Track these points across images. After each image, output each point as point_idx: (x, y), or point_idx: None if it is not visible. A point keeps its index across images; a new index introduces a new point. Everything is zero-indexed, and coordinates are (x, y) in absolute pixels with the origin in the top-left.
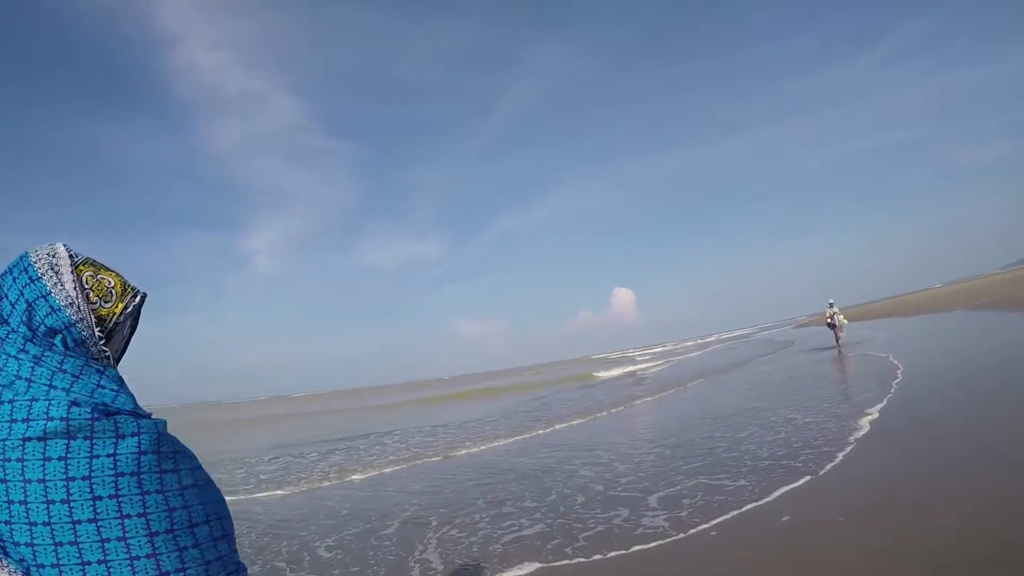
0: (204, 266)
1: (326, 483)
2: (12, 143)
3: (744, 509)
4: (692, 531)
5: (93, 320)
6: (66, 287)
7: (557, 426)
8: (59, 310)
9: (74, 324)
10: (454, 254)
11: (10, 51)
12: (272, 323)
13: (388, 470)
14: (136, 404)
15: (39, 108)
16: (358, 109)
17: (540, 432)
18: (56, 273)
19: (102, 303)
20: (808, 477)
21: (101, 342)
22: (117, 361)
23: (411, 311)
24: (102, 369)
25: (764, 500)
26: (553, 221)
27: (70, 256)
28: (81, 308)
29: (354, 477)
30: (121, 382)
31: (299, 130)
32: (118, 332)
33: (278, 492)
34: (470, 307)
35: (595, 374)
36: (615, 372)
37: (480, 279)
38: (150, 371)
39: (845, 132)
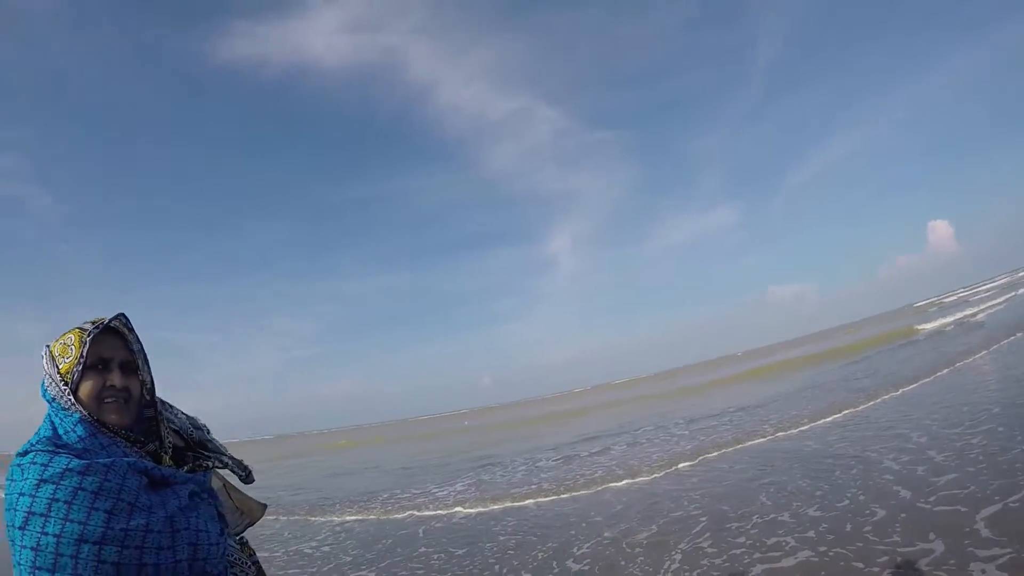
0: (514, 278)
1: (606, 484)
2: (337, 210)
3: None
4: None
5: (59, 379)
6: (46, 369)
7: (863, 404)
8: (43, 390)
9: (47, 390)
10: (750, 219)
11: (319, 142)
12: (580, 318)
13: (682, 465)
14: (47, 437)
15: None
16: (615, 98)
17: (846, 411)
18: (43, 366)
19: (64, 361)
20: None
21: (67, 393)
22: (152, 384)
23: (717, 285)
24: (63, 417)
25: None
26: (846, 164)
27: (48, 345)
28: (53, 376)
29: (631, 478)
30: (61, 420)
31: (567, 133)
32: (93, 371)
33: (560, 495)
34: (776, 271)
35: (917, 327)
36: (940, 321)
37: (781, 239)
38: (474, 379)
39: None
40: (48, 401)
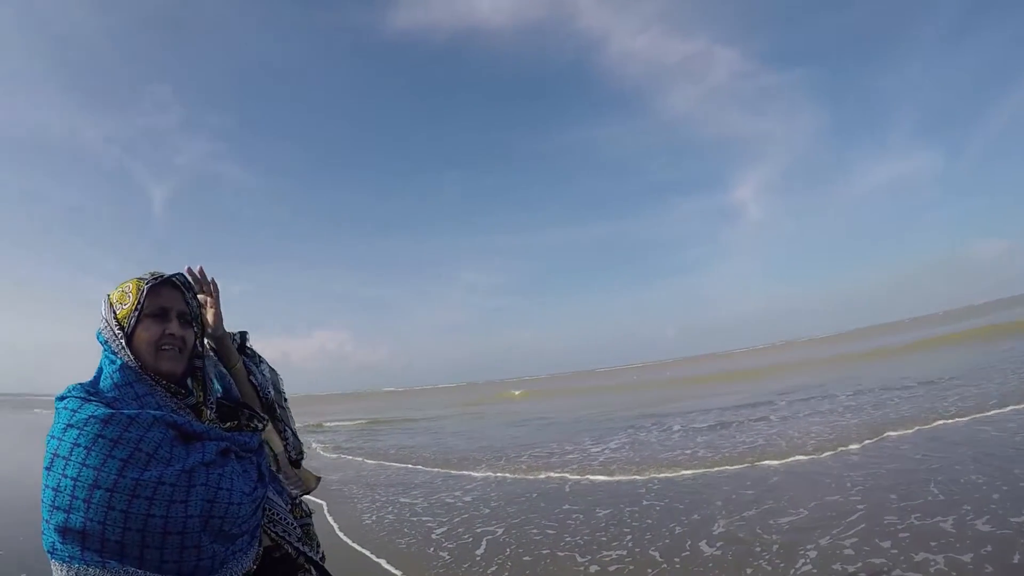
0: (699, 227)
1: (761, 459)
2: (521, 164)
3: None
4: None
5: (115, 324)
6: (103, 314)
7: None
8: (98, 334)
9: (101, 334)
10: (948, 163)
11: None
12: (766, 270)
13: (843, 444)
14: (84, 384)
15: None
16: (795, 34)
17: None
18: (101, 311)
19: (122, 307)
20: None
21: (120, 338)
22: (204, 331)
23: (910, 237)
24: (109, 362)
25: None
26: None
27: (108, 293)
28: (109, 321)
29: (788, 455)
30: (105, 365)
31: (747, 75)
32: (151, 320)
33: (710, 467)
34: (979, 222)
35: None
36: None
37: (985, 187)
38: (658, 331)
39: None
40: (101, 343)
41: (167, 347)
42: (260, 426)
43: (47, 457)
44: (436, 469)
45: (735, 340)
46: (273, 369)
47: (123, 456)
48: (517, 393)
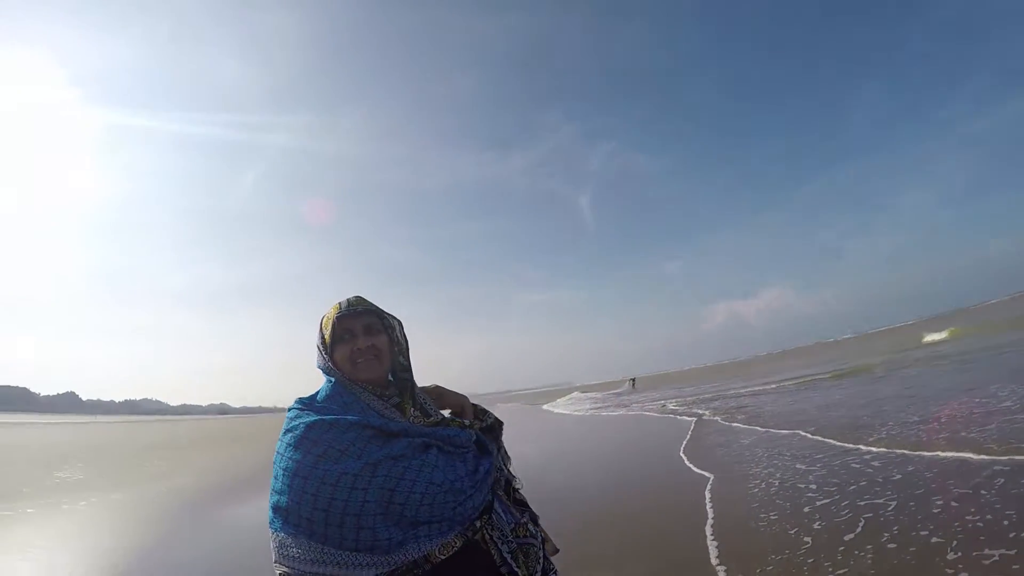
0: None
1: None
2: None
3: None
4: None
5: (321, 345)
6: (317, 343)
7: None
8: (317, 364)
9: (319, 355)
10: None
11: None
12: None
13: None
14: (303, 399)
15: None
16: None
17: None
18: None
19: (326, 332)
20: None
21: (327, 359)
22: (406, 353)
23: None
24: (326, 380)
25: None
26: None
27: (323, 316)
28: (319, 346)
29: None
30: (324, 383)
31: None
32: (341, 342)
33: None
34: None
35: None
36: None
37: None
38: None
39: None
40: (319, 368)
41: (360, 360)
42: (467, 422)
43: (275, 455)
44: (823, 439)
45: None
46: (508, 455)
47: (319, 452)
48: (939, 336)
